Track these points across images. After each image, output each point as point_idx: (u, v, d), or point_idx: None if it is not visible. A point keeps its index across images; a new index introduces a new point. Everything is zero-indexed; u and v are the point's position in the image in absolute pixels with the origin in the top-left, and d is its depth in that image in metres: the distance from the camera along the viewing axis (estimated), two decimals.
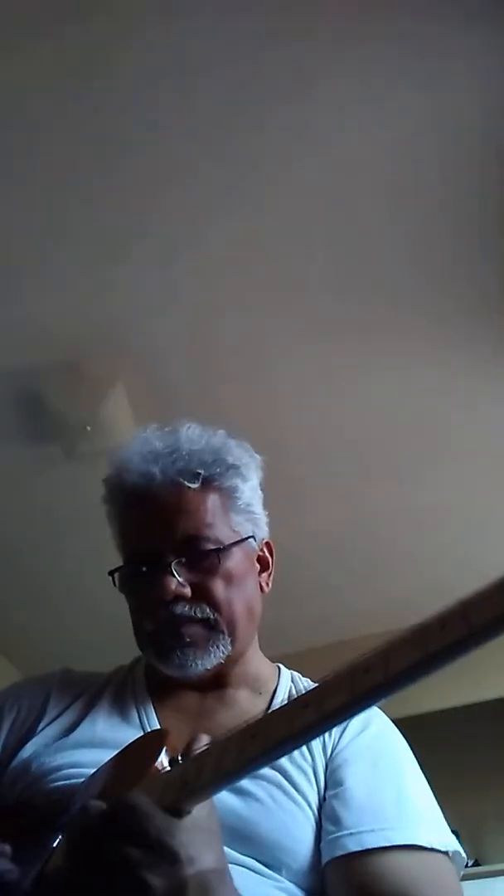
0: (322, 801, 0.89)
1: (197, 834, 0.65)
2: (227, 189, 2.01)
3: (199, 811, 0.66)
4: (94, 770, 0.82)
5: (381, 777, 0.90)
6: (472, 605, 0.50)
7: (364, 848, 0.81)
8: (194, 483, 0.99)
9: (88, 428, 2.45)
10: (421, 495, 2.92)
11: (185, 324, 2.34)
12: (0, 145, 1.88)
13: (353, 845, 0.82)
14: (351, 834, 0.83)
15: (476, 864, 3.21)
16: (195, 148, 1.92)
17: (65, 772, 0.88)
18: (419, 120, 1.86)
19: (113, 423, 2.45)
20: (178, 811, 0.64)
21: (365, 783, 0.89)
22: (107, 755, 0.82)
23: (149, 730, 0.94)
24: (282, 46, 1.73)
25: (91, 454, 2.44)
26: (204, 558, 0.98)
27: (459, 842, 0.89)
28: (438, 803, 0.91)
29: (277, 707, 0.64)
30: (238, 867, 0.80)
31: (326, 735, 0.94)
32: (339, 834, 0.83)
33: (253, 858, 0.82)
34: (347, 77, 1.79)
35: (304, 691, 1.01)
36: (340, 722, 0.58)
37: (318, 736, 0.64)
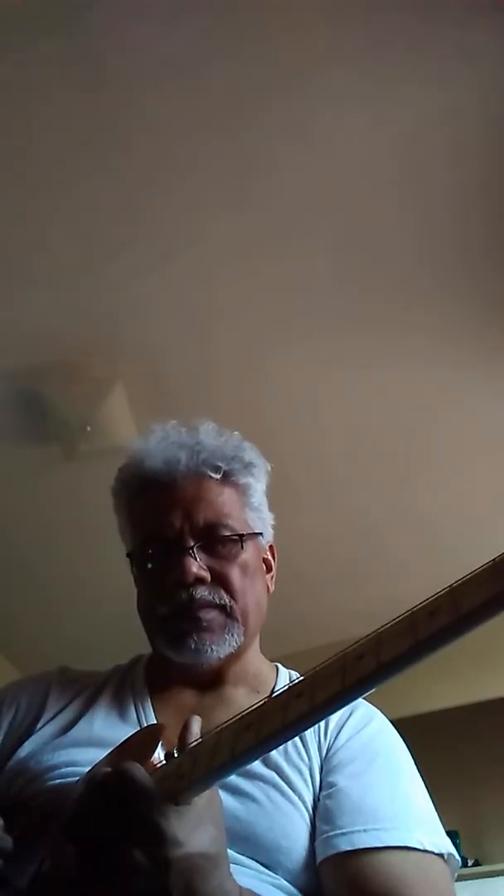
0: (317, 800, 0.89)
1: (188, 817, 0.65)
2: (227, 187, 2.01)
3: (197, 799, 0.66)
4: (91, 767, 0.82)
5: (375, 777, 0.90)
6: (460, 592, 0.50)
7: (356, 847, 0.81)
8: (216, 475, 1.01)
9: (88, 428, 2.46)
10: (417, 495, 2.92)
11: (185, 323, 2.34)
12: None
13: (345, 845, 0.82)
14: (343, 833, 0.83)
15: (476, 864, 3.21)
16: (195, 146, 1.92)
17: (62, 770, 0.88)
18: (422, 116, 1.86)
19: (112, 424, 2.45)
20: (175, 803, 0.65)
21: (359, 783, 0.88)
22: (104, 754, 0.82)
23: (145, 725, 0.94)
24: (282, 43, 1.73)
25: (91, 454, 2.45)
26: (223, 545, 0.99)
27: (459, 842, 0.88)
28: (438, 803, 0.91)
29: (271, 697, 0.63)
30: (235, 866, 0.81)
31: (322, 734, 0.94)
32: (332, 833, 0.83)
33: (250, 857, 0.82)
34: (349, 73, 1.78)
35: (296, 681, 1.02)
36: (335, 710, 0.58)
37: (312, 725, 0.64)
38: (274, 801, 0.87)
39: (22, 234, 2.09)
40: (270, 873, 0.82)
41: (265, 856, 0.83)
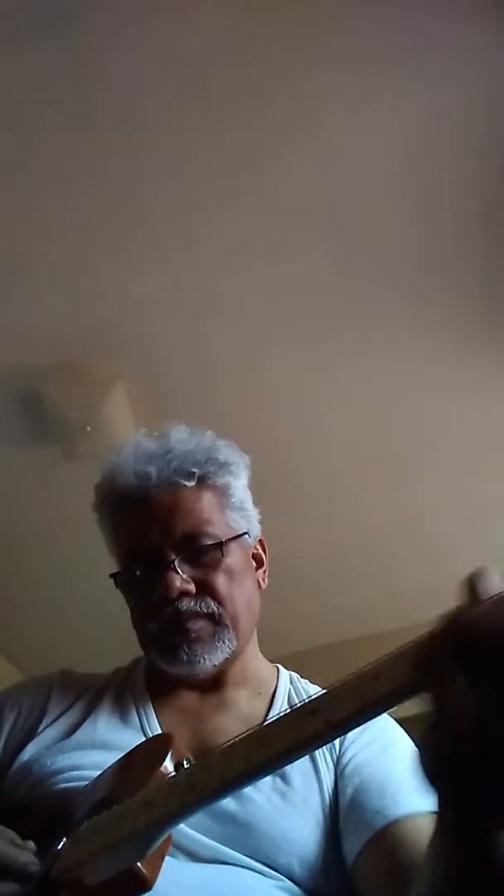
0: (334, 801, 0.89)
1: None
2: (228, 186, 2.00)
3: None
4: (98, 773, 0.82)
5: (391, 764, 0.91)
6: None
7: (388, 820, 0.82)
8: (190, 482, 1.00)
9: (88, 428, 2.45)
10: (418, 495, 2.92)
11: (185, 323, 2.34)
12: None
13: (380, 821, 0.83)
14: (375, 812, 0.84)
15: None
16: (194, 146, 1.91)
17: (66, 774, 0.88)
18: (423, 114, 1.86)
19: (113, 424, 2.45)
20: (185, 817, 0.64)
21: (378, 772, 0.89)
22: (108, 757, 0.83)
23: (149, 731, 0.95)
24: (282, 41, 1.72)
25: (91, 454, 2.44)
26: (205, 553, 0.99)
27: None
28: None
29: (281, 711, 0.63)
30: (239, 868, 0.81)
31: None
32: (364, 819, 0.84)
33: (252, 858, 0.82)
34: (350, 72, 1.78)
35: (303, 693, 1.02)
36: (349, 730, 0.58)
37: (326, 743, 0.64)
38: (275, 804, 0.87)
39: (22, 235, 2.08)
40: (274, 874, 0.83)
41: (267, 858, 0.83)
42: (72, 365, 2.40)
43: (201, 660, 0.96)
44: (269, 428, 2.51)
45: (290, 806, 0.87)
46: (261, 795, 0.87)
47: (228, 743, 0.63)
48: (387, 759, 0.91)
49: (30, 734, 0.96)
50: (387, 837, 0.82)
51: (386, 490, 2.89)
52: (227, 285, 2.24)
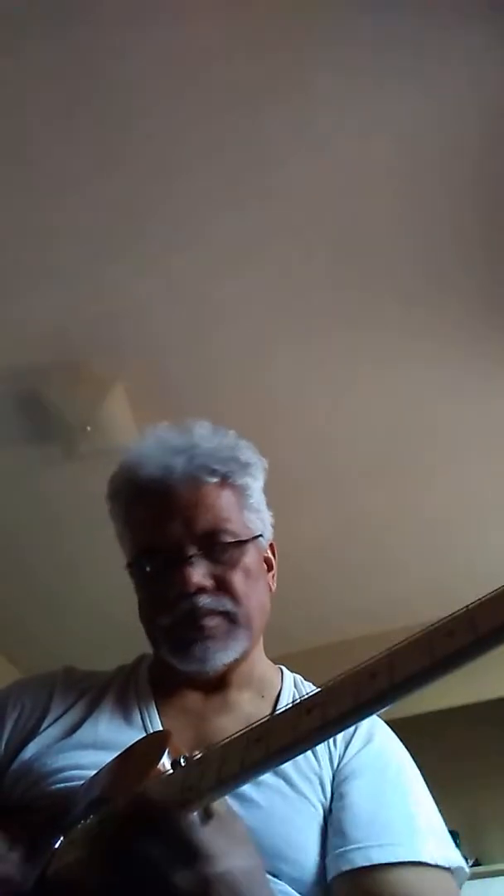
0: (329, 812, 0.88)
1: (218, 832, 0.65)
2: (228, 187, 2.01)
3: (219, 810, 0.65)
4: (96, 771, 0.82)
5: (387, 791, 0.89)
6: (479, 612, 0.49)
7: (371, 863, 0.81)
8: (213, 478, 0.99)
9: (88, 428, 2.45)
10: (418, 495, 2.92)
11: (186, 323, 2.34)
12: None
13: (361, 860, 0.81)
14: (358, 848, 0.82)
15: (476, 864, 3.21)
16: (195, 147, 1.92)
17: (66, 773, 0.87)
18: (420, 118, 1.86)
19: (113, 423, 2.45)
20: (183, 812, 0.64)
21: (371, 797, 0.88)
22: (109, 757, 0.82)
23: (151, 731, 0.94)
24: (282, 42, 1.73)
25: (91, 454, 2.45)
26: (225, 551, 0.97)
27: (459, 842, 0.88)
28: (438, 803, 0.91)
29: (281, 710, 0.63)
30: None
31: (332, 746, 0.93)
32: (346, 848, 0.83)
33: None
34: (347, 75, 1.78)
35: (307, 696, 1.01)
36: (345, 728, 0.57)
37: (322, 741, 0.63)
38: (278, 808, 0.86)
39: (22, 234, 2.08)
40: (275, 880, 0.82)
41: (268, 863, 0.82)
42: (72, 365, 2.41)
43: (213, 657, 0.95)
44: (270, 427, 2.51)
45: (295, 813, 0.86)
46: (265, 800, 0.86)
47: (225, 741, 0.63)
48: (382, 791, 0.89)
49: (32, 733, 0.96)
50: (364, 880, 0.81)
51: (386, 490, 2.89)
52: (227, 285, 2.24)
